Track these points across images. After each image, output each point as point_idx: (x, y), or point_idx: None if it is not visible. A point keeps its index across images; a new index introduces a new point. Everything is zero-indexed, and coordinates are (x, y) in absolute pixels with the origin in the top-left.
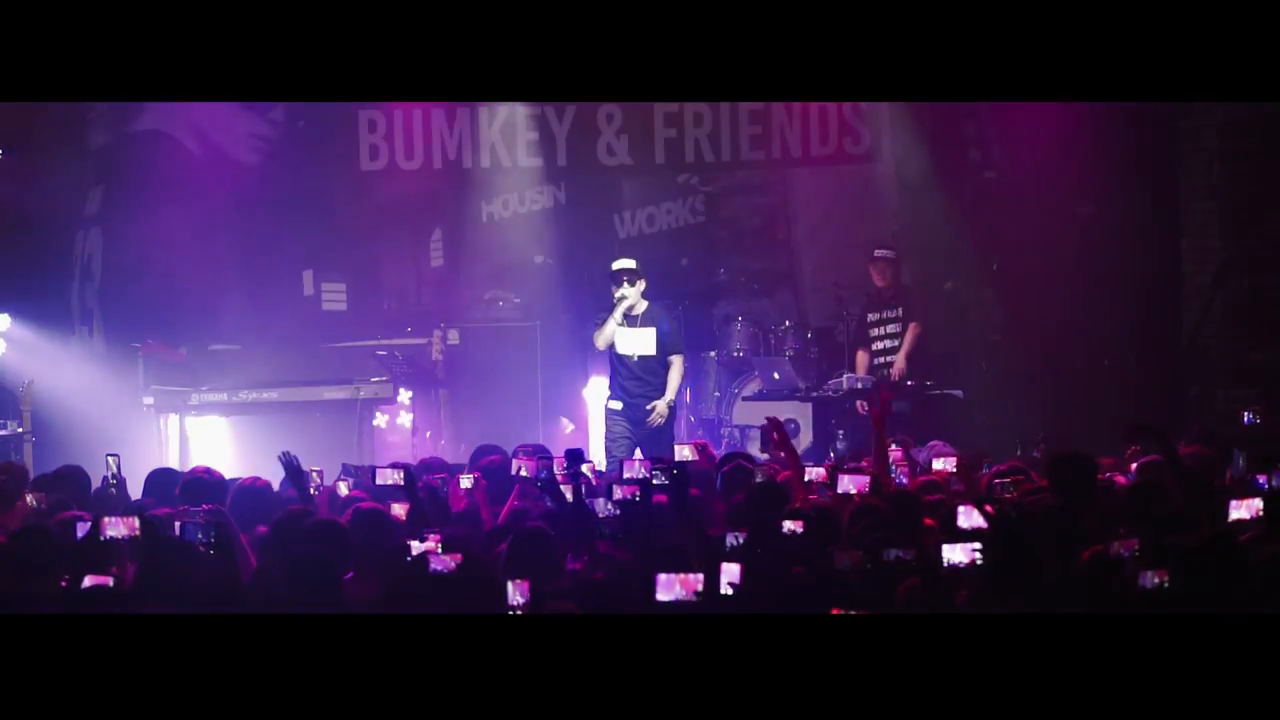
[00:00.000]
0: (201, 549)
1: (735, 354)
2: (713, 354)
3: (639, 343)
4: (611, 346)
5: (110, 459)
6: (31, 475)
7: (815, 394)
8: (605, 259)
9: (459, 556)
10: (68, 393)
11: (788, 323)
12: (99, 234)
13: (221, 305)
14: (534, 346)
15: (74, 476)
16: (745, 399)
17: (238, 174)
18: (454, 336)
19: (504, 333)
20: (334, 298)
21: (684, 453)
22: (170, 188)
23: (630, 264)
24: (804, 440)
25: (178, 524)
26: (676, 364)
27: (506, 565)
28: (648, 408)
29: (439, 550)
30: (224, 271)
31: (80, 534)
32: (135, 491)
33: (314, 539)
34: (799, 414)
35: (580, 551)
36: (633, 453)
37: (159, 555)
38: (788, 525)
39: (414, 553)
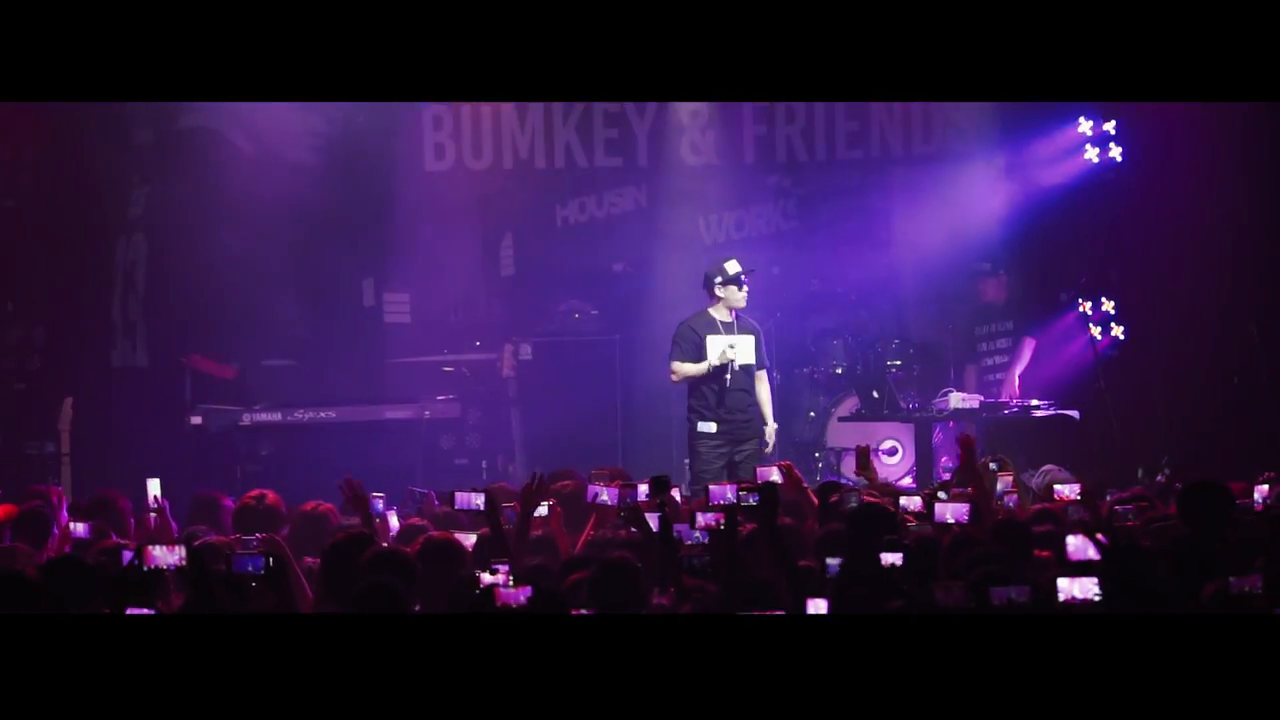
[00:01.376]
0: (253, 582)
1: (830, 371)
2: (805, 370)
3: (741, 352)
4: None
5: (152, 483)
6: (69, 500)
7: (918, 414)
8: (690, 266)
9: (529, 589)
10: (108, 412)
11: (888, 337)
12: (142, 239)
13: (275, 317)
14: (613, 361)
15: (113, 502)
16: (841, 419)
17: (292, 174)
18: (526, 351)
19: (580, 347)
20: (397, 309)
21: (771, 475)
22: (220, 189)
23: (740, 265)
24: (903, 465)
25: (229, 554)
26: (765, 381)
27: (588, 599)
28: (767, 437)
29: (509, 583)
30: (277, 280)
31: (123, 563)
32: (180, 518)
33: (377, 569)
34: (899, 436)
35: (666, 585)
36: (726, 476)
37: (207, 587)
38: (887, 558)
39: (483, 585)
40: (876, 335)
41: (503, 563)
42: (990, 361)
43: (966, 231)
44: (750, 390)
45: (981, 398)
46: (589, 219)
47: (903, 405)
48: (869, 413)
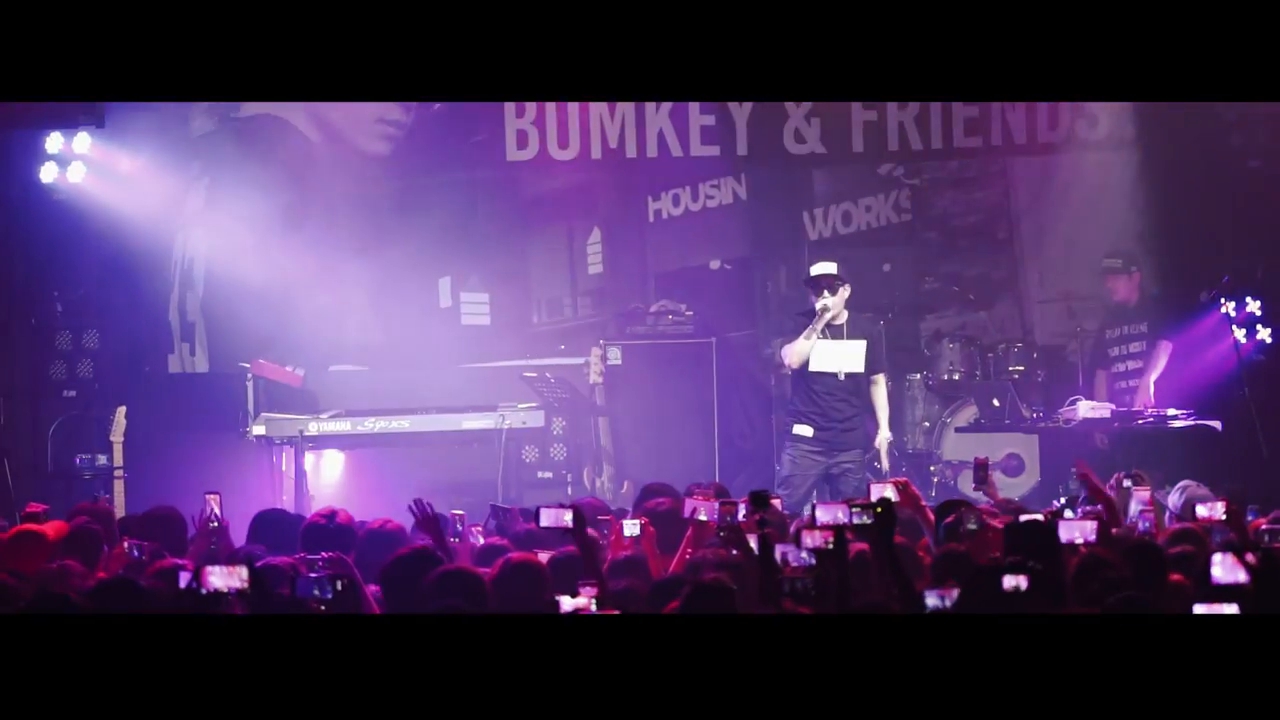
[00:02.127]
0: (317, 606)
1: (947, 377)
2: (919, 377)
3: (846, 358)
4: (804, 364)
5: (210, 498)
6: (122, 517)
7: (1043, 424)
8: (794, 264)
9: (615, 614)
10: (164, 421)
11: (1010, 340)
12: (202, 236)
13: (344, 319)
14: (709, 366)
15: (168, 519)
16: (959, 430)
17: (363, 165)
18: (615, 355)
19: (674, 350)
20: (475, 310)
21: (885, 492)
22: (285, 182)
23: (831, 268)
24: (1029, 480)
25: (293, 576)
26: (882, 385)
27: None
28: (877, 444)
29: (593, 607)
30: (347, 280)
31: (181, 584)
32: (239, 536)
33: (446, 592)
34: (1023, 448)
35: (766, 609)
36: (817, 489)
37: (270, 612)
38: (1009, 581)
39: (564, 609)
40: (997, 338)
41: (589, 584)
42: (1123, 367)
43: (1096, 225)
44: (853, 399)
45: (1113, 406)
46: (683, 213)
47: (1026, 415)
48: (989, 423)
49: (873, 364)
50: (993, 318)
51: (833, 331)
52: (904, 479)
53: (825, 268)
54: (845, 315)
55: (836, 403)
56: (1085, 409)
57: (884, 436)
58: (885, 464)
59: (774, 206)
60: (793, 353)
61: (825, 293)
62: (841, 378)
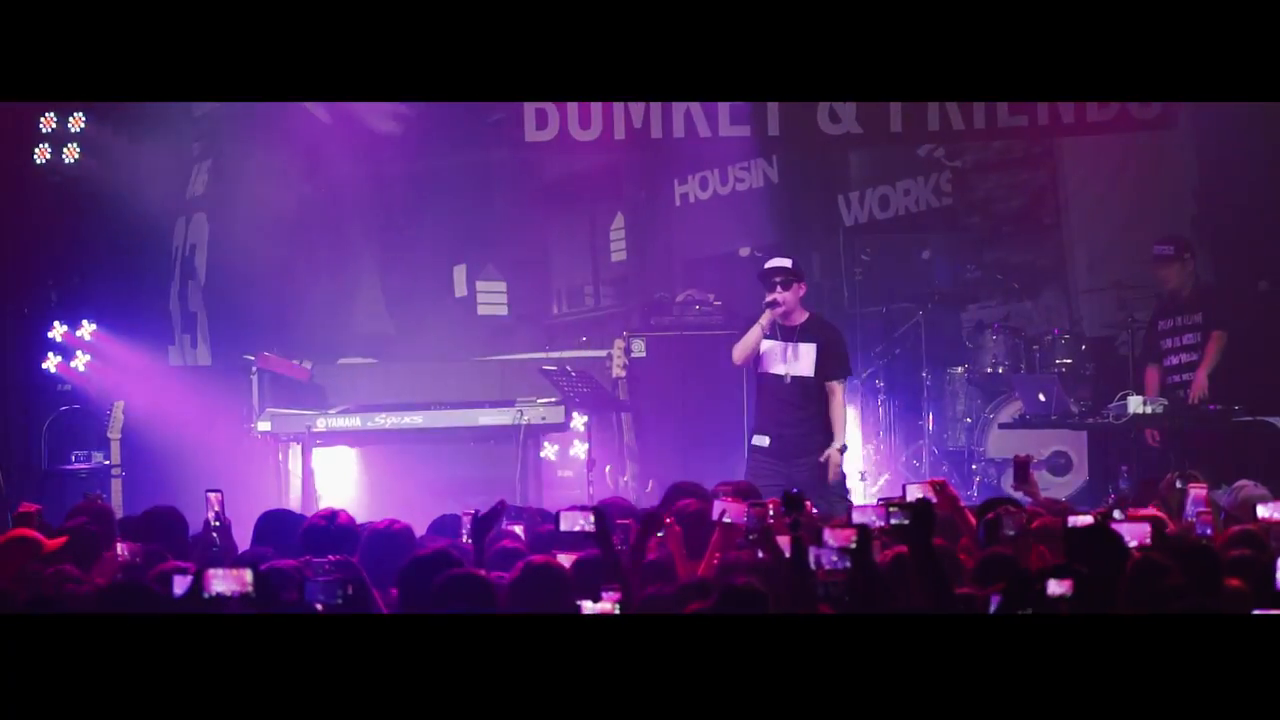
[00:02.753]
0: (323, 610)
1: (990, 370)
2: (961, 370)
3: (793, 362)
4: (758, 365)
5: (212, 495)
6: (119, 517)
7: (1091, 420)
8: (828, 251)
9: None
10: (164, 417)
11: (1057, 331)
12: (204, 221)
13: (353, 309)
14: None
15: (167, 519)
16: (1002, 426)
17: (374, 146)
18: (639, 348)
19: (702, 342)
20: (492, 300)
21: (917, 494)
22: (292, 163)
23: (786, 263)
24: (1077, 478)
25: (300, 580)
26: (839, 393)
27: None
28: (822, 458)
29: (617, 612)
30: (357, 267)
31: (179, 590)
32: (242, 538)
33: (454, 595)
34: (1070, 445)
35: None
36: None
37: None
38: (1053, 586)
39: (586, 613)
40: (1043, 329)
41: (612, 589)
42: (1175, 360)
43: (1148, 210)
44: (802, 406)
45: (1165, 402)
46: (711, 197)
47: (1074, 410)
48: (1034, 419)
49: (828, 371)
50: (1038, 308)
51: (784, 333)
52: (941, 479)
53: (779, 262)
54: (804, 316)
55: (783, 407)
56: (1135, 404)
57: (834, 449)
58: (834, 475)
59: (807, 190)
60: (737, 348)
61: (778, 288)
62: (787, 381)
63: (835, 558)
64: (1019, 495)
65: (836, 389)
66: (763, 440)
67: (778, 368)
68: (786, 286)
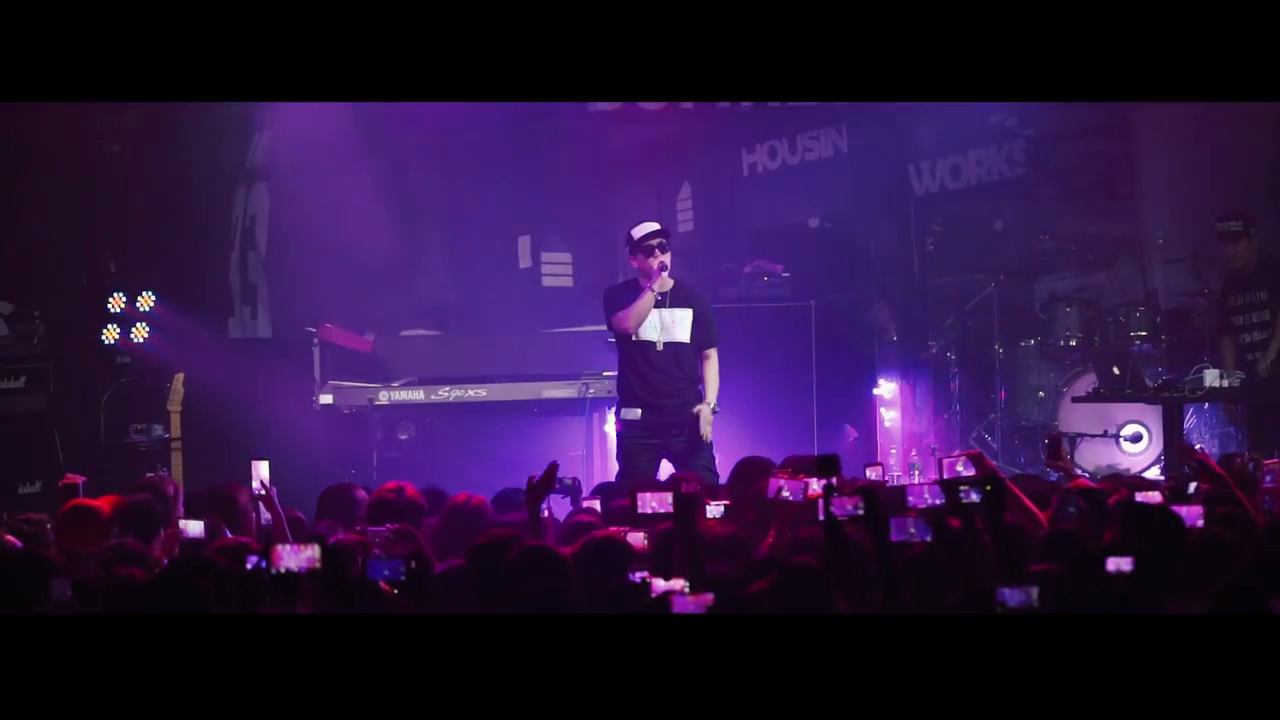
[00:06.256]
0: (395, 589)
1: (1064, 343)
2: (1034, 343)
3: (669, 326)
4: (625, 337)
5: (259, 465)
6: (181, 493)
7: (1167, 394)
8: (899, 221)
9: (710, 598)
10: (224, 390)
11: (1132, 303)
12: (264, 191)
13: (417, 280)
14: (807, 332)
15: (231, 495)
16: (1075, 400)
17: (438, 115)
18: None
19: (770, 315)
20: (557, 271)
21: (957, 466)
22: (354, 132)
23: (657, 225)
24: (1151, 452)
25: (364, 556)
26: (714, 358)
27: (772, 609)
28: (696, 411)
29: (685, 590)
30: (419, 238)
31: (250, 566)
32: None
33: (526, 571)
34: (1146, 418)
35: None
36: (657, 471)
37: (346, 595)
38: (1114, 563)
39: (656, 591)
40: (1118, 301)
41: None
42: (1248, 337)
43: (1226, 179)
44: (677, 371)
45: (1243, 375)
46: (780, 166)
47: (1149, 383)
48: (1108, 392)
49: (704, 339)
50: (1113, 279)
51: (657, 300)
52: (976, 450)
53: (652, 225)
54: (670, 283)
55: (658, 375)
56: (1212, 378)
57: (705, 410)
58: (707, 434)
59: (877, 160)
60: (633, 315)
61: (659, 250)
62: (660, 348)
63: (914, 529)
64: (1053, 474)
65: (712, 355)
66: (633, 413)
67: (650, 334)
68: (666, 249)
